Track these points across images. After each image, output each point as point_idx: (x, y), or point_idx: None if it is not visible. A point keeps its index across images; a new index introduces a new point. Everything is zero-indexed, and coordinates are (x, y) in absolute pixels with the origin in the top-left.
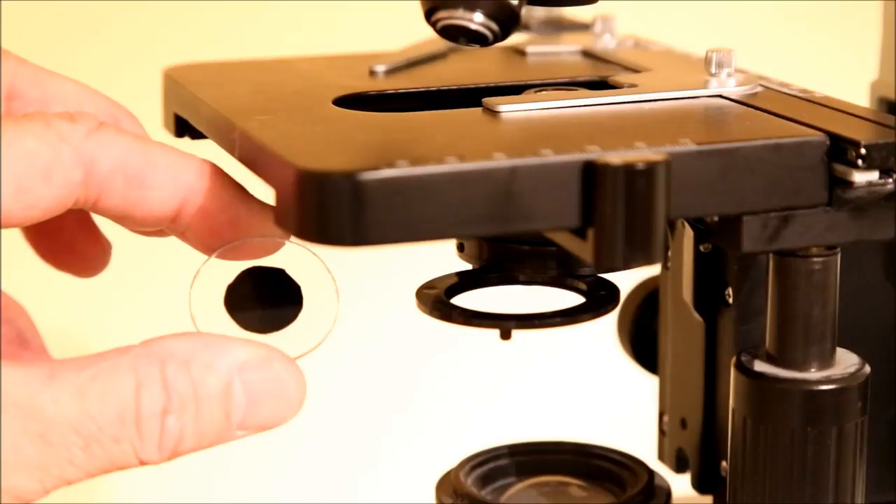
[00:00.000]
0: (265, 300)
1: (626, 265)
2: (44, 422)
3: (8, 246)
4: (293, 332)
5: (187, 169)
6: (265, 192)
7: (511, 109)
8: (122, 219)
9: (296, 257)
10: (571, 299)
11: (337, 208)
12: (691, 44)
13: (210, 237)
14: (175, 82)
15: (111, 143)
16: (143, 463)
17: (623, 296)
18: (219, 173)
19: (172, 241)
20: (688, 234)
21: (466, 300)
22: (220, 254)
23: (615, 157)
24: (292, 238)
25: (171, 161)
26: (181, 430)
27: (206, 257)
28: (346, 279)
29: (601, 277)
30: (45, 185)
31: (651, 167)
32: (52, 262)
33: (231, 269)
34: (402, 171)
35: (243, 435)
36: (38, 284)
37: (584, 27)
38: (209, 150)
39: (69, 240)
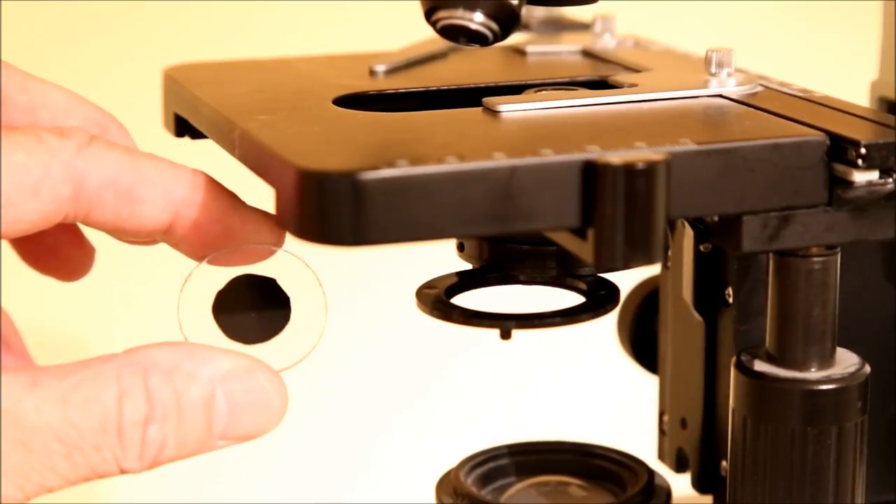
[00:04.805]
0: (253, 309)
1: (626, 265)
2: (26, 429)
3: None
4: (279, 343)
5: (179, 182)
6: (265, 192)
7: (511, 109)
8: (114, 232)
9: (288, 266)
10: (571, 299)
11: (337, 208)
12: (691, 44)
13: (203, 248)
14: (175, 82)
15: (102, 158)
16: (123, 471)
17: (623, 296)
18: (211, 184)
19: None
20: (688, 234)
21: (466, 300)
22: (212, 259)
23: (615, 157)
24: (285, 247)
25: (163, 174)
26: (163, 439)
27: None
28: (345, 279)
29: (601, 277)
30: (34, 201)
31: (651, 167)
32: (35, 266)
33: (223, 276)
34: (402, 170)
35: (224, 445)
36: (32, 289)
37: (584, 27)
38: (209, 150)
39: (53, 244)
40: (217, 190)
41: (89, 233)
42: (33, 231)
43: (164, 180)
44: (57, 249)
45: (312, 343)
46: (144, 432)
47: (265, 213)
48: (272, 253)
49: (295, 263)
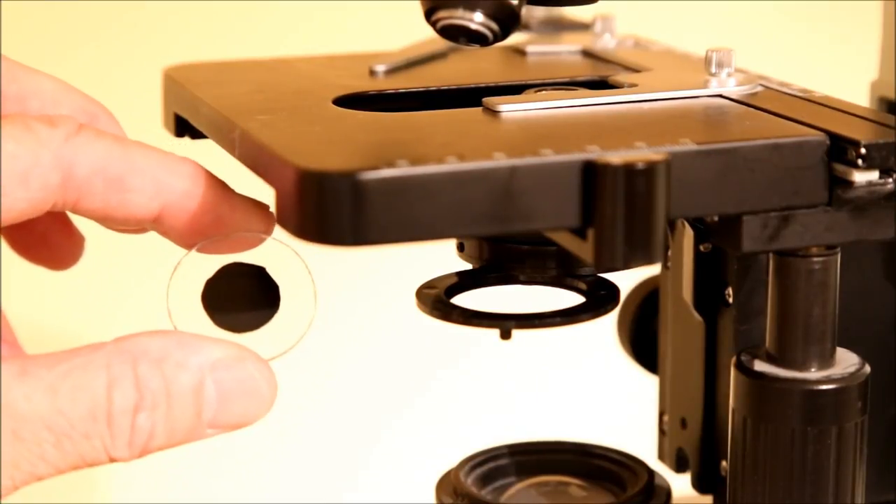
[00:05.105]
0: (243, 298)
1: (626, 265)
2: (16, 418)
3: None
4: (268, 332)
5: (168, 171)
6: (265, 191)
7: (511, 109)
8: (103, 220)
9: (277, 255)
10: (571, 299)
11: (337, 208)
12: (691, 44)
13: (193, 236)
14: (175, 82)
15: (91, 146)
16: (112, 460)
17: (623, 296)
18: (201, 173)
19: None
20: (688, 234)
21: (466, 300)
22: (201, 248)
23: (615, 157)
24: (275, 236)
25: (152, 163)
26: (152, 427)
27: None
28: (345, 279)
29: (601, 277)
30: (22, 189)
31: (651, 167)
32: (24, 255)
33: (212, 264)
34: (402, 170)
35: (214, 433)
36: (21, 278)
37: (584, 27)
38: (209, 150)
39: (42, 233)
40: (207, 178)
41: (78, 221)
42: (22, 219)
43: (153, 169)
44: (46, 238)
45: (302, 332)
46: (134, 420)
47: (255, 202)
48: (262, 241)
49: (284, 252)
